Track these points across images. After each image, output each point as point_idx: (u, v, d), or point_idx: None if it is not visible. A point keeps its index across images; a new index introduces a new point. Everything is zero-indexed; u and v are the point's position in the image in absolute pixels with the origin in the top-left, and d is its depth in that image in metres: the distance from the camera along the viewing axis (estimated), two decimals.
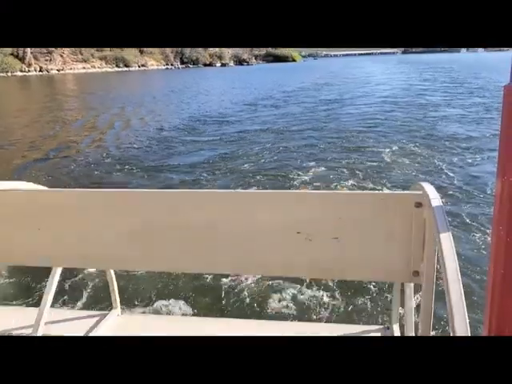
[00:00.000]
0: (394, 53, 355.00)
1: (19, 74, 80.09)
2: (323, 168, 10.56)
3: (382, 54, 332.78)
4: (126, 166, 11.72)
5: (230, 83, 50.25)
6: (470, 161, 10.88)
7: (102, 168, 11.67)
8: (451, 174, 9.61)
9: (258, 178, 9.94)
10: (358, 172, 10.01)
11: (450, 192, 8.28)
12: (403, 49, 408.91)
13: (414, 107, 21.29)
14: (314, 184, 9.16)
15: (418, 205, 1.82)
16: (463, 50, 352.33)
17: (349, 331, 2.49)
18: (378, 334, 2.38)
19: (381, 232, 1.92)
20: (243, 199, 2.08)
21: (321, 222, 1.96)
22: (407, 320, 2.09)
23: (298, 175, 9.99)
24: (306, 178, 9.80)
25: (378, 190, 8.39)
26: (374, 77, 50.91)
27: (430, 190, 1.76)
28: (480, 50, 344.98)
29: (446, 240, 1.44)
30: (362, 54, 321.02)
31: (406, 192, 1.96)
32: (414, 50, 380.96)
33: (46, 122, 21.32)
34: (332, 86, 38.17)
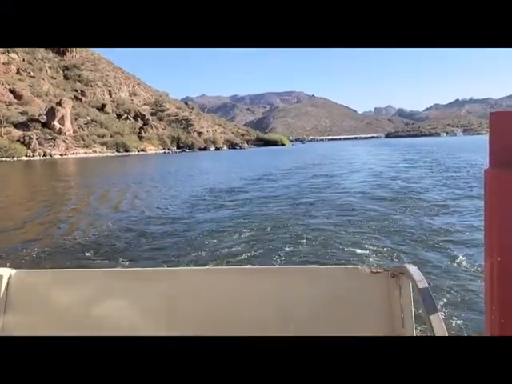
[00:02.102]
0: (377, 136, 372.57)
1: (24, 158, 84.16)
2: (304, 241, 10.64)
3: (366, 138, 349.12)
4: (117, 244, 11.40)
5: (230, 164, 54.20)
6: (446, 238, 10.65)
7: (88, 249, 11.12)
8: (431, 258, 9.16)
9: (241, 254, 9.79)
10: (337, 249, 9.90)
11: (430, 271, 8.05)
12: (386, 132, 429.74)
13: (396, 183, 23.60)
14: (293, 258, 9.23)
15: (401, 280, 1.87)
16: (443, 134, 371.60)
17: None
18: (380, 334, 2.35)
19: (359, 303, 1.96)
20: (225, 275, 2.25)
21: (301, 296, 2.00)
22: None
23: (283, 248, 10.00)
24: (290, 249, 9.91)
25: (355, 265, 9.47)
26: (359, 157, 55.64)
27: (410, 266, 1.81)
28: (459, 133, 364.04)
29: (431, 308, 1.47)
30: (346, 139, 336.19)
31: (389, 267, 2.02)
32: (397, 133, 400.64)
33: (39, 201, 22.18)
34: (322, 166, 41.96)
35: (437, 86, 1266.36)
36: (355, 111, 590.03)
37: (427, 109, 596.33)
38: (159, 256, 10.16)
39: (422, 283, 1.65)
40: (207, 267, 5.89)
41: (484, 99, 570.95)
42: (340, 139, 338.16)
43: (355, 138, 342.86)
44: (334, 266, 2.30)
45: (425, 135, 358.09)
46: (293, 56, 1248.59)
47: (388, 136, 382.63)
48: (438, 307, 1.51)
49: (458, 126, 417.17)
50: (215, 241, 11.33)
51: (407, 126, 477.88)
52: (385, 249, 9.71)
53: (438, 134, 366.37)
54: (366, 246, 10.04)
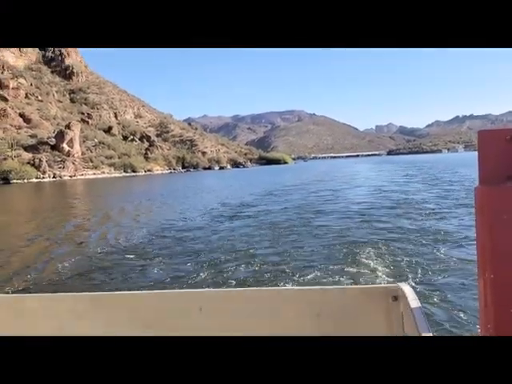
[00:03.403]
0: (379, 154, 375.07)
1: (34, 180, 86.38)
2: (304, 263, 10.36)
3: (368, 155, 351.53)
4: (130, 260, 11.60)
5: (236, 182, 56.04)
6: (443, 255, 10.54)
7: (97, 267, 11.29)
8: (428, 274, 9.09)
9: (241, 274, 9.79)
10: (336, 265, 9.82)
11: (426, 289, 8.00)
12: (388, 150, 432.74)
13: (396, 195, 25.24)
14: (294, 278, 8.99)
15: (395, 299, 1.87)
16: (445, 150, 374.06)
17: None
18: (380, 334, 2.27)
19: (359, 325, 1.96)
20: (226, 297, 2.18)
21: (299, 318, 2.00)
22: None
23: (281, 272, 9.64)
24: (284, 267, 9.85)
25: (354, 283, 8.27)
26: (361, 173, 57.60)
27: (405, 286, 1.84)
28: (460, 150, 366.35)
29: (425, 331, 1.49)
30: (348, 156, 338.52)
31: (382, 285, 2.06)
32: (398, 150, 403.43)
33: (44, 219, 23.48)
34: (326, 182, 43.83)
35: (437, 103, 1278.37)
36: (356, 129, 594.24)
37: (428, 125, 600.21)
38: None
39: (416, 303, 1.69)
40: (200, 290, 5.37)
41: (484, 115, 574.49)
42: (342, 157, 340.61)
43: (357, 156, 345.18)
44: (329, 287, 2.34)
45: (426, 152, 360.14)
46: (294, 75, 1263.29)
47: (390, 153, 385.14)
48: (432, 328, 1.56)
49: (459, 143, 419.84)
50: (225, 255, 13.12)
51: (409, 143, 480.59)
52: (380, 266, 9.54)
53: (439, 151, 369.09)
54: (363, 261, 10.06)
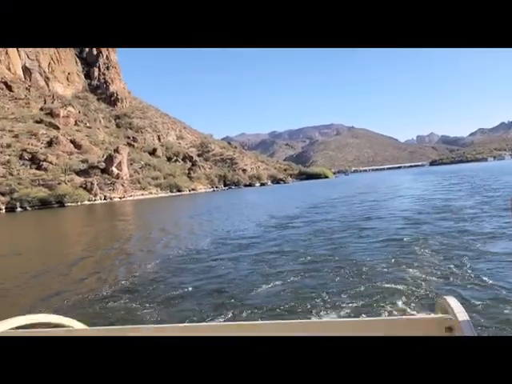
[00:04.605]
0: (422, 165, 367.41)
1: (87, 203, 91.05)
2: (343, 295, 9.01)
3: (410, 166, 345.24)
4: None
5: (279, 197, 57.58)
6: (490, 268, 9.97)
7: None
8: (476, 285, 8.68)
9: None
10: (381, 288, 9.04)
11: (476, 303, 7.49)
12: (430, 160, 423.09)
13: (441, 210, 22.86)
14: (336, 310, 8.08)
15: (449, 330, 1.73)
16: (490, 158, 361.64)
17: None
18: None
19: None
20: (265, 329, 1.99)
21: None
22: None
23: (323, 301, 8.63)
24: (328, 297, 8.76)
25: (401, 309, 7.68)
26: (404, 184, 57.92)
27: (457, 309, 1.72)
28: (507, 157, 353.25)
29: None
30: (390, 168, 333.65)
31: (434, 316, 1.89)
32: (441, 160, 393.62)
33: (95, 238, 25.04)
34: (370, 194, 44.59)
35: (480, 110, 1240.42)
36: (397, 140, 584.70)
37: (472, 134, 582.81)
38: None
39: (463, 315, 1.64)
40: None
41: None
42: (383, 169, 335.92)
43: (399, 167, 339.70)
44: (378, 318, 2.23)
45: (471, 161, 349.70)
46: (330, 91, 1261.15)
47: (432, 164, 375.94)
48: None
49: (505, 150, 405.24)
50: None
51: (452, 152, 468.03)
52: (421, 281, 9.10)
53: (484, 159, 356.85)
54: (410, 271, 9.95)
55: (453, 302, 1.77)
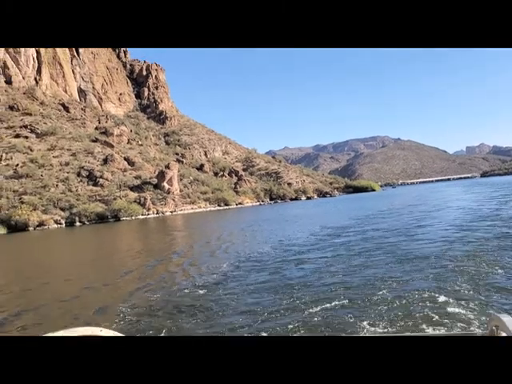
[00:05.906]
0: (472, 176, 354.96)
1: (141, 217, 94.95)
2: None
3: (459, 178, 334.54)
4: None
5: (328, 209, 58.36)
6: None
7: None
8: None
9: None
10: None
11: None
12: (481, 172, 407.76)
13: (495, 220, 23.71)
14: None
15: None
16: None
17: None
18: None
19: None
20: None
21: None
22: None
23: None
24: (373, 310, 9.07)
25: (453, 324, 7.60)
26: (453, 196, 57.33)
27: (504, 317, 1.65)
28: None
29: None
30: (438, 180, 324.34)
31: (488, 336, 1.80)
32: (493, 172, 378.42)
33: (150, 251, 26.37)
34: (418, 206, 44.80)
35: None
36: (445, 151, 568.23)
37: None
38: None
39: None
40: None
41: None
42: (432, 181, 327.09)
43: (448, 179, 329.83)
44: (424, 334, 2.04)
45: None
46: (373, 101, 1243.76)
47: (484, 175, 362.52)
48: None
49: None
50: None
51: (504, 163, 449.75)
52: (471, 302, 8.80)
53: None
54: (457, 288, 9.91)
55: (507, 319, 1.71)
